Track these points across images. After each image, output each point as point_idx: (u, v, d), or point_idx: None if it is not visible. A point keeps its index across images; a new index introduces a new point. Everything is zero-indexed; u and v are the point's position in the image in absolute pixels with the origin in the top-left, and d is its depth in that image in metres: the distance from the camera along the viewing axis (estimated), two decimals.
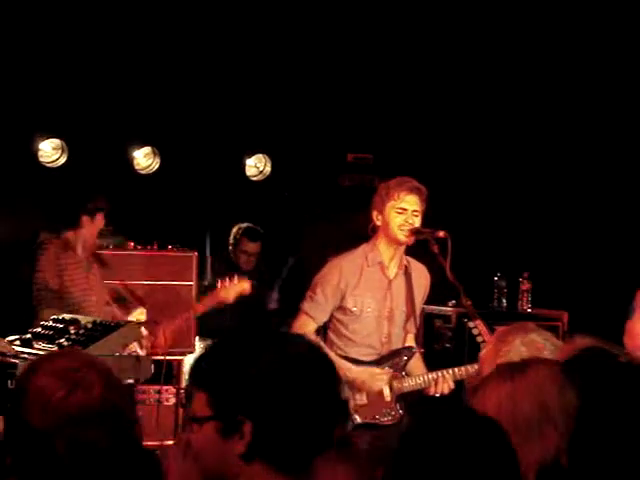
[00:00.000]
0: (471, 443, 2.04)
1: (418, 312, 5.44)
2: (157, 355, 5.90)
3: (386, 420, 5.20)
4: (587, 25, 7.76)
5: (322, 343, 5.07)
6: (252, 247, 7.79)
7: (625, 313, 5.41)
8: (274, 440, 2.07)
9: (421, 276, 5.39)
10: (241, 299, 7.60)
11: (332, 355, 5.12)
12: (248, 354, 2.11)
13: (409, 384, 5.21)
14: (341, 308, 5.26)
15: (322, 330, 5.41)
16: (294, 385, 2.08)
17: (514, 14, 7.92)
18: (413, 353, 5.32)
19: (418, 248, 5.37)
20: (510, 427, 2.18)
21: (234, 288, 6.47)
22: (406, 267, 5.34)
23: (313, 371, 2.12)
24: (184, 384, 6.78)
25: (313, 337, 4.90)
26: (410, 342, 5.38)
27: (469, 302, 5.21)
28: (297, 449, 2.08)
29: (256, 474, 2.08)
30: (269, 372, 2.08)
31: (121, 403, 2.32)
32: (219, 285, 6.47)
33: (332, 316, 5.31)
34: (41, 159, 7.57)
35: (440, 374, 5.14)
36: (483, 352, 3.21)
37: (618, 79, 7.86)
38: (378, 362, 5.25)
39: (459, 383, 5.18)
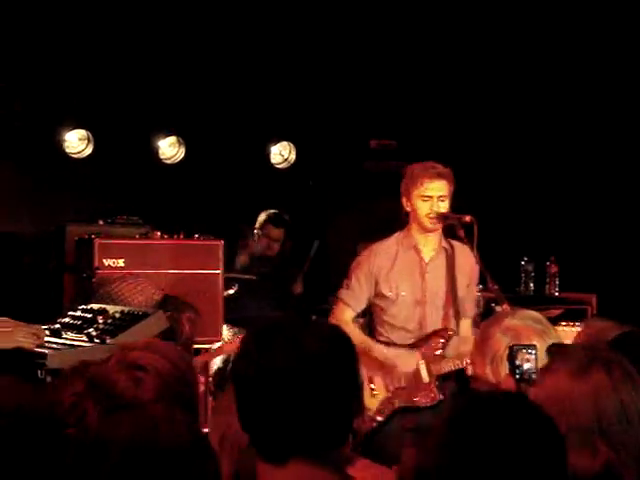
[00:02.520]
0: (521, 433, 1.98)
1: (467, 295, 5.36)
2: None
3: (425, 402, 5.21)
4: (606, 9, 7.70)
5: (355, 333, 5.05)
6: (276, 233, 7.80)
7: None
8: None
9: (466, 257, 5.33)
10: (267, 285, 7.64)
11: (368, 343, 5.15)
12: (261, 350, 2.16)
13: (447, 365, 5.21)
14: (378, 294, 5.29)
15: (368, 318, 5.45)
16: (301, 384, 2.12)
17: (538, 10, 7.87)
18: (451, 335, 5.28)
19: (445, 233, 5.36)
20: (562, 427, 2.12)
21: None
22: (446, 250, 5.32)
23: (323, 370, 2.14)
24: (212, 372, 6.80)
25: (347, 327, 4.90)
26: (452, 325, 5.30)
27: (496, 287, 5.19)
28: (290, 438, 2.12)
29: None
30: (279, 370, 2.13)
31: (173, 406, 2.35)
32: (227, 339, 6.46)
33: (373, 304, 5.34)
34: (67, 150, 7.60)
35: None
36: (471, 354, 3.19)
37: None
38: (414, 345, 5.26)
39: None
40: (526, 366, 2.84)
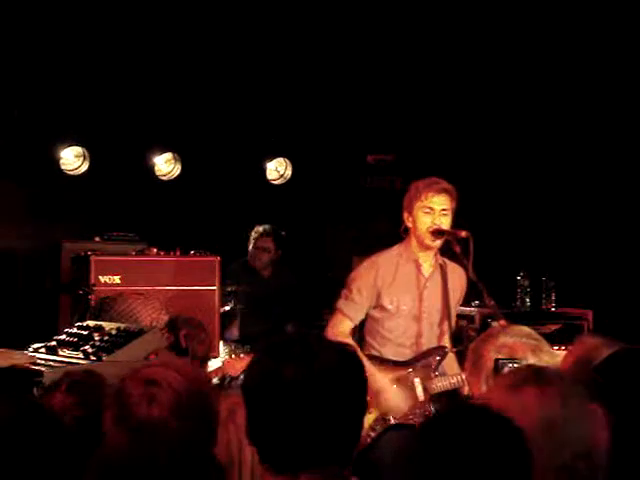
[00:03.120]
0: (484, 441, 2.01)
1: (454, 312, 5.40)
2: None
3: (419, 420, 5.14)
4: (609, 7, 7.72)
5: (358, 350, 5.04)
6: (266, 243, 7.78)
7: None
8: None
9: (458, 277, 5.35)
10: (263, 303, 7.63)
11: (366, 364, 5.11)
12: (275, 364, 2.18)
13: (442, 384, 5.19)
14: (377, 306, 5.25)
15: (357, 331, 5.42)
16: (307, 402, 2.14)
17: (539, 9, 7.88)
18: (446, 353, 5.28)
19: (441, 248, 5.36)
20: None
21: (240, 363, 6.37)
22: (441, 266, 5.33)
23: (336, 385, 2.16)
24: None
25: (346, 341, 4.87)
26: (446, 342, 5.32)
27: (492, 302, 5.19)
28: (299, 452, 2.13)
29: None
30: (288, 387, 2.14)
31: (190, 425, 2.37)
32: (226, 360, 6.44)
33: (367, 315, 5.30)
34: (63, 167, 7.60)
35: None
36: (466, 374, 3.17)
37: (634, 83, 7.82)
38: (410, 362, 5.23)
39: None
40: None
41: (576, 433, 2.26)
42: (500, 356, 3.03)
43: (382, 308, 5.25)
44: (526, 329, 3.19)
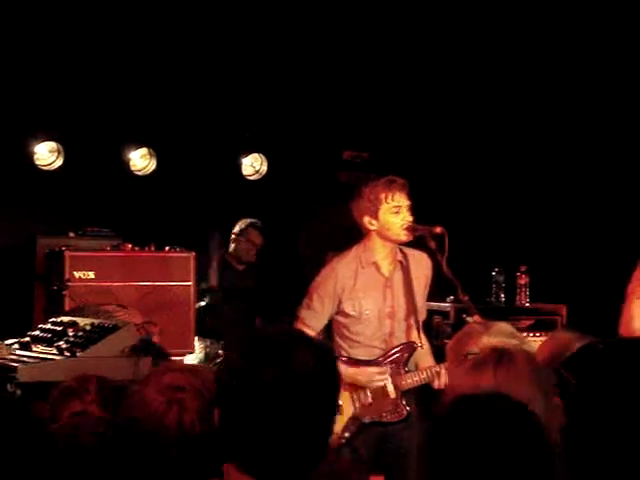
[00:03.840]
0: (508, 431, 2.01)
1: (421, 303, 5.36)
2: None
3: (392, 417, 5.18)
4: (576, 26, 7.76)
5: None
6: (257, 238, 7.84)
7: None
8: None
9: (420, 265, 5.32)
10: (239, 297, 7.64)
11: None
12: (249, 363, 2.15)
13: (412, 380, 5.18)
14: (341, 312, 5.24)
15: (327, 333, 5.40)
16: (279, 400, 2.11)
17: (509, 14, 7.92)
18: (414, 348, 5.27)
19: (415, 244, 5.36)
20: None
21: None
22: (401, 262, 5.31)
23: (311, 386, 2.13)
24: None
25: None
26: (414, 337, 5.30)
27: (466, 297, 5.19)
28: (270, 455, 2.10)
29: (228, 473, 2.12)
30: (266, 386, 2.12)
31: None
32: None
33: (334, 320, 5.29)
34: (37, 162, 7.56)
35: (443, 366, 5.06)
36: (447, 366, 3.16)
37: (609, 77, 7.87)
38: (378, 360, 5.22)
39: None
40: None
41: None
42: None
43: (345, 314, 5.23)
44: (506, 327, 3.14)
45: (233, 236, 7.89)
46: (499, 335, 3.09)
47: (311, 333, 5.17)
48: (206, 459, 2.29)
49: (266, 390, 2.09)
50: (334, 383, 2.20)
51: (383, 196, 5.12)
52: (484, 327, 3.19)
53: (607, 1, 7.69)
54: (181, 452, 2.30)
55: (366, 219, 5.18)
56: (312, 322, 5.23)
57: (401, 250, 5.31)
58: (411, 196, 5.20)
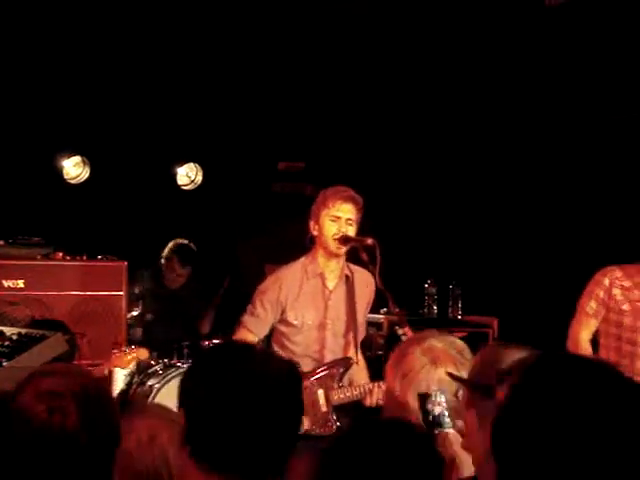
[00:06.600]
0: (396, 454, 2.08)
1: (361, 321, 5.40)
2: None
3: (321, 431, 5.14)
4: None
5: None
6: (181, 270, 7.72)
7: (559, 319, 5.50)
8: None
9: (366, 284, 5.35)
10: (173, 311, 7.59)
11: None
12: (212, 372, 2.24)
13: (345, 395, 5.17)
14: (283, 321, 5.26)
15: (266, 342, 5.39)
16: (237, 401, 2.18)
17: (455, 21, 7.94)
18: (351, 364, 5.28)
19: (348, 256, 5.38)
20: None
21: (129, 355, 6.23)
22: (347, 277, 5.33)
23: (274, 396, 2.23)
24: (115, 394, 6.72)
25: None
26: (352, 353, 5.32)
27: (398, 310, 5.21)
28: (235, 450, 2.17)
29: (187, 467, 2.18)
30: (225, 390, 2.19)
31: (98, 434, 2.31)
32: (114, 353, 6.32)
33: (275, 329, 5.30)
34: None
35: (376, 385, 5.09)
36: (388, 365, 3.18)
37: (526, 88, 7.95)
38: (312, 373, 5.22)
39: None
40: (437, 410, 2.86)
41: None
42: (424, 358, 3.03)
43: (287, 323, 5.26)
44: (459, 342, 3.15)
45: (162, 258, 7.75)
46: (446, 344, 3.09)
47: (253, 339, 5.21)
48: (93, 463, 2.28)
49: (229, 397, 2.17)
50: (297, 391, 2.31)
51: (327, 202, 5.17)
52: (438, 333, 3.18)
53: (604, 5, 7.68)
54: (66, 458, 2.28)
55: (312, 222, 5.25)
56: (255, 328, 5.26)
57: (349, 266, 5.34)
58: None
